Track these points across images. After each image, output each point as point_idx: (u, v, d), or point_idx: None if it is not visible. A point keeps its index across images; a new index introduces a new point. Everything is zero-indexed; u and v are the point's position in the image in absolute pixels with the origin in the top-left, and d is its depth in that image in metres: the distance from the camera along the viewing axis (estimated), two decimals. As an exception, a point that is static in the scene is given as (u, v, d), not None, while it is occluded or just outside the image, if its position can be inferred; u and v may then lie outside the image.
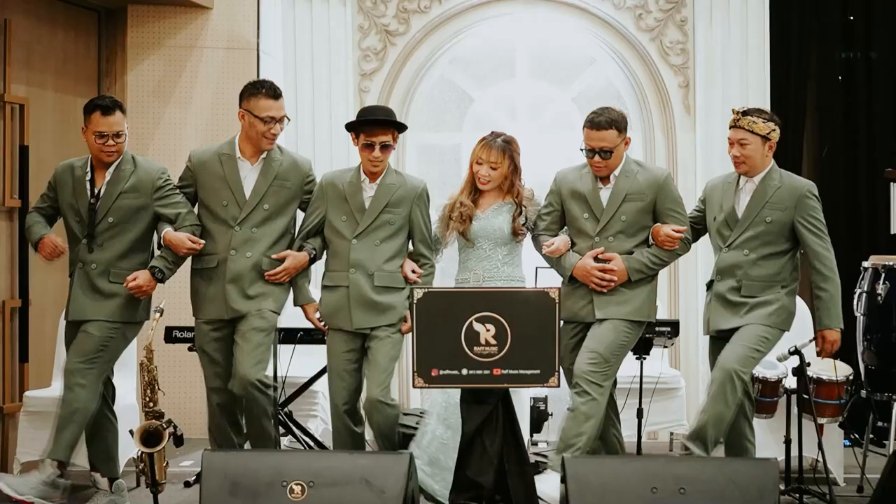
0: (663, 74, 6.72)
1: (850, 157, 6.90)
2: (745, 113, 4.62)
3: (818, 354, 4.64)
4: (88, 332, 4.61)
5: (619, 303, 4.61)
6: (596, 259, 4.60)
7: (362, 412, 4.65)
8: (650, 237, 4.68)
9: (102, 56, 6.43)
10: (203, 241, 4.64)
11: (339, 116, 6.60)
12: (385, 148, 4.61)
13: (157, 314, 4.45)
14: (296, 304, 4.78)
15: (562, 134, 6.82)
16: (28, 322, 5.64)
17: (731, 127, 4.64)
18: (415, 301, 4.11)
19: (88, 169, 4.68)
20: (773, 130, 4.62)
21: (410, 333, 4.29)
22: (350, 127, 4.69)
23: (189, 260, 4.71)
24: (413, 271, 4.65)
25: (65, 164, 4.77)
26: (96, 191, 4.65)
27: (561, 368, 4.34)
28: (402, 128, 4.76)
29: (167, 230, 4.64)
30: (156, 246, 4.77)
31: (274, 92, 4.64)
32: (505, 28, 6.85)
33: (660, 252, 4.63)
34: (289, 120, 4.73)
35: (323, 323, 4.71)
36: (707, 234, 4.81)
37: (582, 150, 4.63)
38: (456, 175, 6.66)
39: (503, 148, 4.73)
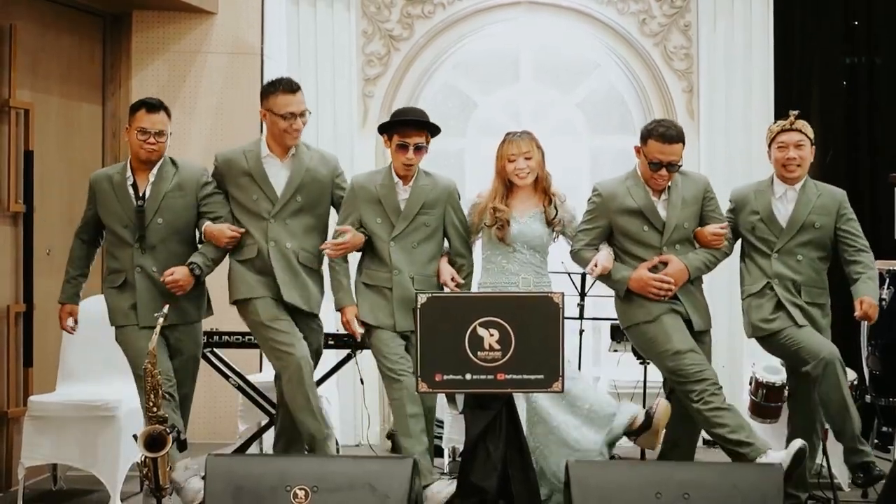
0: (667, 79, 6.72)
1: (853, 163, 6.90)
2: (798, 116, 4.68)
3: (856, 317, 4.58)
4: (186, 353, 4.73)
5: (706, 312, 4.70)
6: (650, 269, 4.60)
7: None
8: (695, 241, 4.71)
9: (107, 61, 6.44)
10: (243, 229, 4.67)
11: (342, 121, 6.61)
12: (418, 149, 4.63)
13: (161, 318, 4.44)
14: (338, 306, 4.70)
15: (566, 138, 6.83)
16: (32, 327, 5.64)
17: (784, 130, 4.66)
18: (418, 306, 4.11)
19: (129, 174, 4.70)
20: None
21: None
22: (382, 129, 4.71)
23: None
24: (452, 279, 4.64)
25: (100, 175, 4.80)
26: (141, 193, 4.66)
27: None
28: (435, 130, 4.74)
29: (207, 223, 4.68)
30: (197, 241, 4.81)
31: (291, 87, 4.67)
32: (509, 33, 6.85)
33: (713, 251, 4.68)
34: (310, 113, 4.76)
35: (361, 328, 4.62)
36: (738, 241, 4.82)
37: (650, 161, 4.56)
38: (460, 180, 6.63)
39: (531, 138, 4.74)
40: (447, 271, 4.67)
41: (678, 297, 4.60)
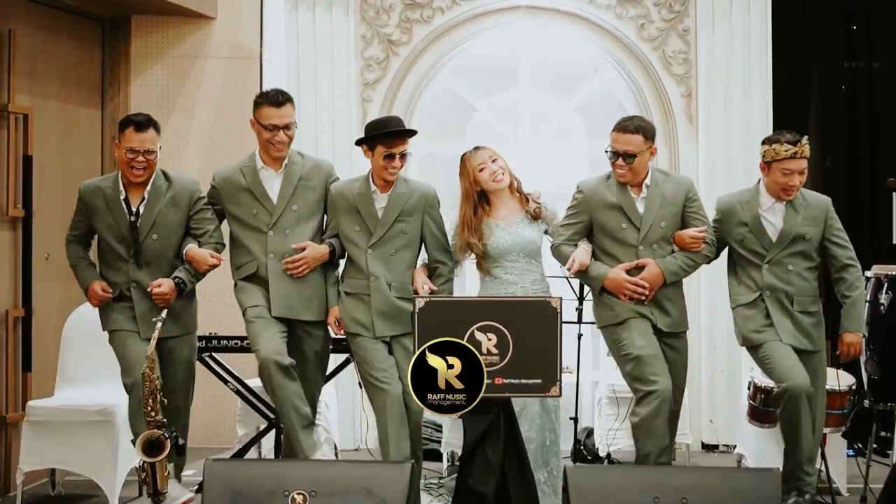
0: (665, 84, 6.72)
1: (852, 167, 6.90)
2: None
3: (837, 357, 4.68)
4: (183, 360, 4.73)
5: (678, 315, 4.70)
6: (627, 272, 4.62)
7: None
8: (674, 244, 4.71)
9: (106, 66, 6.45)
10: (222, 258, 4.70)
11: (341, 125, 6.61)
12: (403, 157, 4.67)
13: (159, 324, 4.45)
14: None
15: (564, 143, 6.83)
16: (31, 331, 5.65)
17: (793, 157, 4.63)
18: (416, 310, 4.11)
19: (122, 188, 4.69)
20: None
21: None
22: (363, 140, 4.71)
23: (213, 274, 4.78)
24: (424, 285, 4.64)
25: (90, 186, 4.75)
26: (135, 208, 4.66)
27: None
28: (413, 135, 4.79)
29: (190, 246, 4.69)
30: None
31: (276, 100, 4.68)
32: (507, 38, 6.85)
33: (691, 255, 4.68)
34: (296, 126, 4.75)
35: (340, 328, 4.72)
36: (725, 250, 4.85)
37: (606, 151, 4.68)
38: (457, 184, 6.66)
39: (486, 148, 4.84)
40: (420, 279, 4.67)
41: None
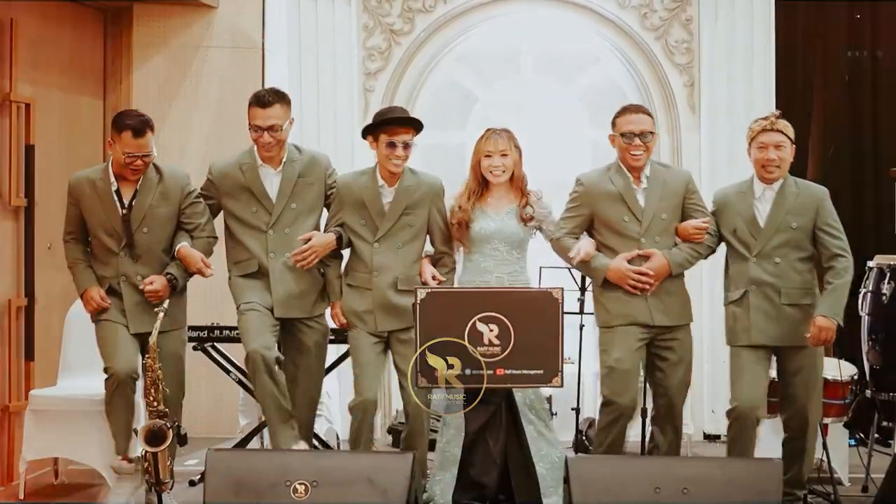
0: (668, 74, 6.70)
1: (855, 157, 6.89)
2: (780, 116, 4.67)
3: (808, 341, 4.48)
4: (172, 353, 4.63)
5: (680, 307, 4.68)
6: (630, 261, 4.58)
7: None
8: (677, 236, 4.69)
9: (108, 55, 6.44)
10: (212, 268, 4.63)
11: (343, 115, 6.60)
12: (407, 146, 4.63)
13: (162, 314, 4.45)
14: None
15: (567, 133, 6.82)
16: (34, 320, 5.65)
17: (764, 130, 4.64)
18: (418, 301, 4.11)
19: (113, 180, 4.65)
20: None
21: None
22: (367, 130, 4.69)
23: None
24: (433, 277, 4.62)
25: (80, 178, 4.70)
26: (126, 201, 4.63)
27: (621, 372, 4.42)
28: (419, 126, 4.74)
29: (182, 245, 4.64)
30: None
31: (263, 100, 4.63)
32: (509, 27, 6.84)
33: (695, 246, 4.66)
34: (289, 125, 4.69)
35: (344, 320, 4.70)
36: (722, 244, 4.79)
37: (623, 134, 4.62)
38: (460, 173, 6.61)
39: (509, 136, 4.74)
40: (428, 270, 4.64)
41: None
